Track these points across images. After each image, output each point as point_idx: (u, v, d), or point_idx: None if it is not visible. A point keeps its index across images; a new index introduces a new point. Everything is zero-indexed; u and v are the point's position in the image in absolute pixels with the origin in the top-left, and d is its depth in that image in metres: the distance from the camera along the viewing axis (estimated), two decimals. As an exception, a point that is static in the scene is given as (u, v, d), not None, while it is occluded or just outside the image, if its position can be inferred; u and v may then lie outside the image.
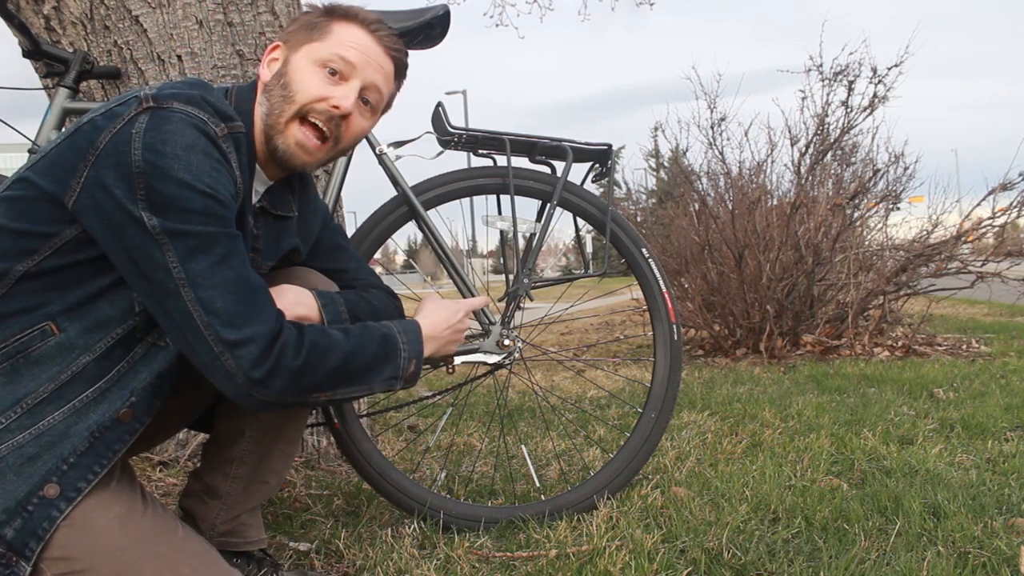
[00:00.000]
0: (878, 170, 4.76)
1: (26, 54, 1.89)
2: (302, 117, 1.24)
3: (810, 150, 4.69)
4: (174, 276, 1.05)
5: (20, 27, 1.83)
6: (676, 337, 1.95)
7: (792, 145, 4.75)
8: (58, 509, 1.05)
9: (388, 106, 1.39)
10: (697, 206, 5.09)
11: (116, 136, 1.06)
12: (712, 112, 4.86)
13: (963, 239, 4.49)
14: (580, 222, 1.96)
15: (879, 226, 5.04)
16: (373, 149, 1.83)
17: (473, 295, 1.85)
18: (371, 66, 1.27)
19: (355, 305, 1.40)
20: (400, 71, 1.35)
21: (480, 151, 1.88)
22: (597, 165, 1.97)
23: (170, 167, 1.04)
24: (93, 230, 1.07)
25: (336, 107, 1.23)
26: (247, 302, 1.08)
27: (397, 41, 1.32)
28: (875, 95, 4.55)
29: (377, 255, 1.98)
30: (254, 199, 1.31)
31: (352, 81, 1.25)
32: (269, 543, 1.58)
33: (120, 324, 1.11)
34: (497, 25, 7.56)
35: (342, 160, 1.83)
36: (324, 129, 1.25)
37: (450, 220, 1.93)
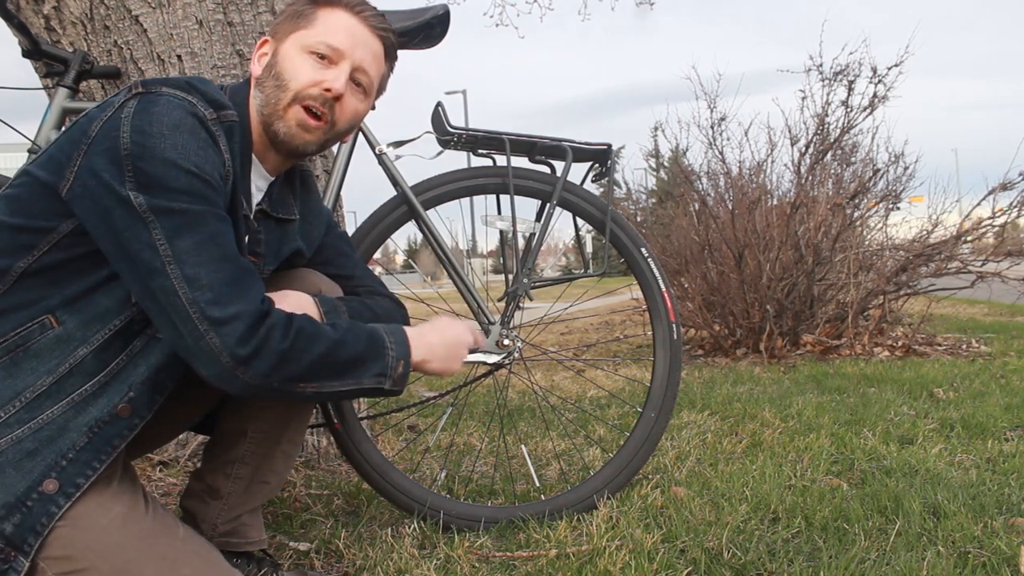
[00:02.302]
0: (878, 170, 4.77)
1: (26, 54, 1.89)
2: (298, 102, 1.25)
3: (810, 150, 4.69)
4: (160, 254, 1.04)
5: (20, 27, 1.83)
6: (676, 337, 1.95)
7: (792, 145, 4.76)
8: (57, 505, 1.06)
9: (382, 89, 1.40)
10: (697, 206, 5.09)
11: (107, 123, 1.08)
12: (712, 112, 4.87)
13: (963, 239, 4.49)
14: (580, 222, 1.96)
15: (879, 226, 5.04)
16: (373, 149, 1.83)
17: (473, 295, 1.85)
18: (359, 47, 1.28)
19: (358, 312, 1.39)
20: (389, 51, 1.36)
21: (480, 151, 1.88)
22: (597, 165, 1.97)
23: (156, 146, 1.05)
24: (84, 219, 1.08)
25: (328, 89, 1.24)
26: (234, 281, 1.07)
27: (383, 20, 1.32)
28: (875, 95, 4.56)
29: (377, 255, 1.98)
30: (255, 194, 1.31)
31: (342, 64, 1.26)
32: (269, 543, 1.58)
33: (117, 316, 1.12)
34: (497, 25, 7.58)
35: (342, 160, 1.83)
36: (318, 112, 1.26)
37: (450, 220, 1.94)
